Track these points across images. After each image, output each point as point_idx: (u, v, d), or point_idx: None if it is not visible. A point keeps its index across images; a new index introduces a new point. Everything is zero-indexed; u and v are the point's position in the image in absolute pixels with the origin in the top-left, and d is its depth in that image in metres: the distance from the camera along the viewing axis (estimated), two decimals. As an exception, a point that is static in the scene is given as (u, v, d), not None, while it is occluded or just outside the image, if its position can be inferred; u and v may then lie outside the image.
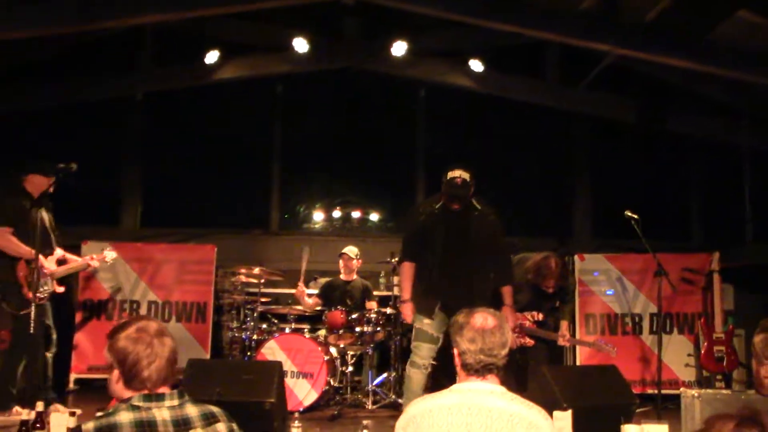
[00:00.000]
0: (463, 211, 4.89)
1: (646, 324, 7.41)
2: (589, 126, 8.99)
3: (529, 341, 5.71)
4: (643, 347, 7.35)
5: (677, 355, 7.31)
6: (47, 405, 5.05)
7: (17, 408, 5.15)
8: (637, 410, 5.31)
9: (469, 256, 4.88)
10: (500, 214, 4.99)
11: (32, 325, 5.13)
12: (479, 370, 2.44)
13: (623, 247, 7.74)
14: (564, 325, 5.80)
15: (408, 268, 5.03)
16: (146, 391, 2.14)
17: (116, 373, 2.17)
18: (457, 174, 4.79)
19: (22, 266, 5.37)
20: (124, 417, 2.05)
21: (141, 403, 2.10)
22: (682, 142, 8.90)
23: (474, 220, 4.94)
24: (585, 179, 8.95)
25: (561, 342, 5.84)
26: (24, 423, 3.26)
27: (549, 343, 5.79)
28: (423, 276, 4.98)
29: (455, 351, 2.52)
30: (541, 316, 5.75)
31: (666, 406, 6.11)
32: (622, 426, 4.14)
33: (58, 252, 5.72)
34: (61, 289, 5.68)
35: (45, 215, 5.63)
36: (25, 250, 5.37)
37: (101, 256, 5.92)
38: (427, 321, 4.94)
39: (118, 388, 2.18)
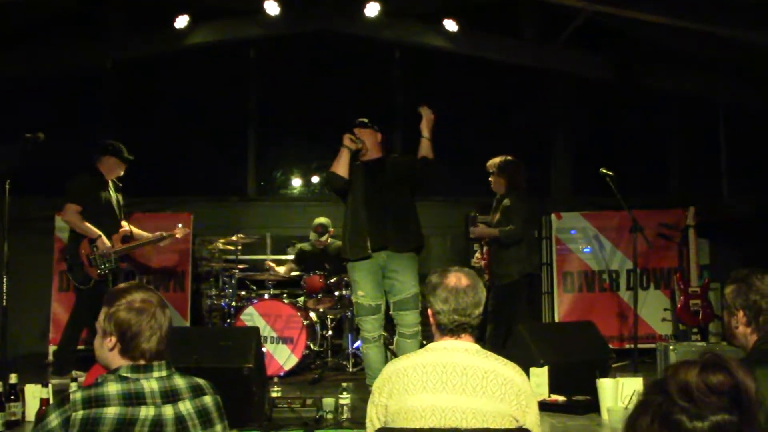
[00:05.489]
0: (377, 159, 5.22)
1: (623, 280, 7.49)
2: (566, 84, 8.93)
3: None
4: (621, 303, 7.43)
5: (654, 310, 7.42)
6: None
7: (75, 372, 5.41)
8: (614, 365, 5.39)
9: (387, 192, 5.08)
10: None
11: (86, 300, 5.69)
12: (453, 330, 2.44)
13: (602, 205, 7.77)
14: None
15: None
16: (143, 362, 2.11)
17: (112, 340, 2.11)
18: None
19: (85, 245, 5.74)
20: (112, 388, 2.03)
21: (129, 374, 2.08)
22: (659, 98, 8.88)
23: (388, 162, 5.25)
24: (562, 137, 8.93)
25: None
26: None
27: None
28: (350, 220, 5.12)
29: (429, 311, 2.51)
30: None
31: (643, 360, 6.20)
32: (597, 380, 4.21)
33: (125, 229, 6.03)
34: (124, 265, 6.05)
35: (114, 194, 5.99)
36: (89, 229, 5.72)
37: (172, 231, 6.19)
38: (361, 293, 4.97)
39: (111, 355, 2.13)
